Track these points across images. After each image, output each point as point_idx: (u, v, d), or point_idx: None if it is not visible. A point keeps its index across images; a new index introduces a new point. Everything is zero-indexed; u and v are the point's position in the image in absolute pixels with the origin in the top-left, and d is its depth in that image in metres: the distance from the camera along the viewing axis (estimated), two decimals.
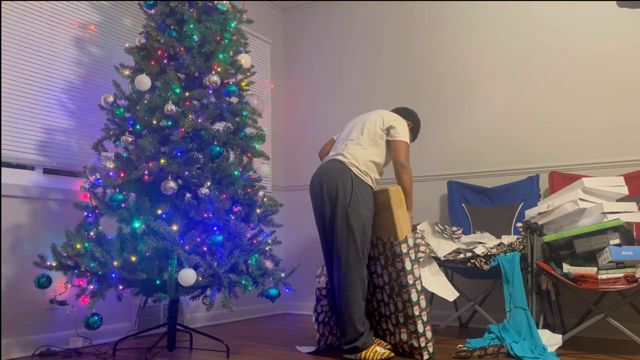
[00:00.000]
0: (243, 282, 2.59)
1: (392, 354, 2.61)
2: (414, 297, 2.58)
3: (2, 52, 2.84)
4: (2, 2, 2.86)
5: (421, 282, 2.63)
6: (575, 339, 3.11)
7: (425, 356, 2.58)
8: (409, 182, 2.73)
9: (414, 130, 3.09)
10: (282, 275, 2.78)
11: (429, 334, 2.60)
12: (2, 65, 2.83)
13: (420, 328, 2.58)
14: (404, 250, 2.60)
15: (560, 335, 2.73)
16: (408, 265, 2.60)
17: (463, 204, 3.67)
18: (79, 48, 3.21)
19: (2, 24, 2.85)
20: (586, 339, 3.17)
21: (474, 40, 3.94)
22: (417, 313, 2.58)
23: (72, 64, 3.16)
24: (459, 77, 3.98)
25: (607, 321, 2.66)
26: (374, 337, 2.71)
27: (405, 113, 3.07)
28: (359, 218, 2.63)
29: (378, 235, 2.73)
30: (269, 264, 2.73)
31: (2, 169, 2.81)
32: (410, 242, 2.62)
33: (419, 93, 4.10)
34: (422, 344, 2.58)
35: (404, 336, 2.65)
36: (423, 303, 2.60)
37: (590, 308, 2.87)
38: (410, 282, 2.59)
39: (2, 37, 2.84)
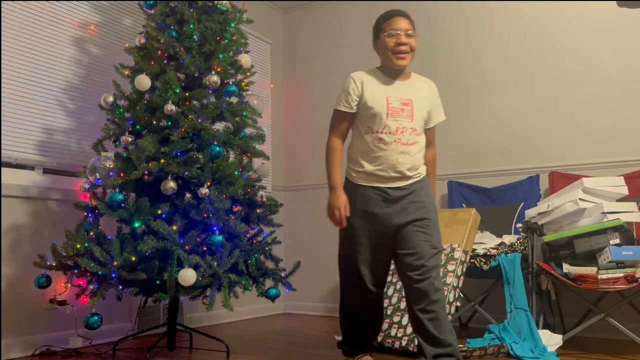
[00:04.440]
0: (243, 282, 2.58)
1: None
2: (449, 296, 2.74)
3: (2, 52, 2.84)
4: (2, 2, 2.86)
5: (459, 295, 2.82)
6: (575, 339, 3.10)
7: None
8: (326, 153, 2.37)
9: (378, 32, 2.47)
10: (282, 275, 2.78)
11: None
12: (2, 65, 2.83)
13: None
14: (462, 259, 2.89)
15: (561, 335, 2.73)
16: (459, 270, 2.85)
17: (463, 204, 3.67)
18: (78, 48, 3.21)
19: (2, 24, 2.85)
20: (586, 339, 3.16)
21: (475, 42, 3.94)
22: None
23: (72, 64, 3.16)
24: (459, 77, 3.97)
25: (607, 321, 2.66)
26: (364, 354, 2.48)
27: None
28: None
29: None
30: (269, 264, 2.73)
31: (2, 169, 2.81)
32: (467, 257, 2.92)
33: None
34: None
35: None
36: (452, 309, 2.76)
37: (590, 308, 2.87)
38: (454, 284, 2.80)
39: (2, 37, 2.84)
